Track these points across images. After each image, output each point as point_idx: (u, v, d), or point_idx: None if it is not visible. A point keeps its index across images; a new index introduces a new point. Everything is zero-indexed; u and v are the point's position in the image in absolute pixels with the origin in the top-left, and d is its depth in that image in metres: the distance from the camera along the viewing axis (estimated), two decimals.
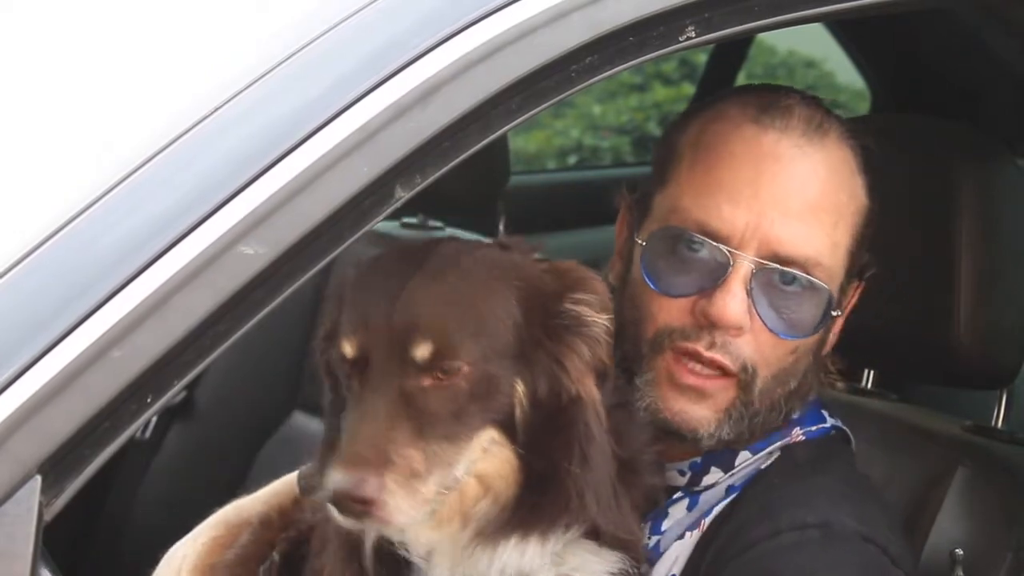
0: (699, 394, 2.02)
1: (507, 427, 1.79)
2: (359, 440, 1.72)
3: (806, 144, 2.02)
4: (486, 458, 1.79)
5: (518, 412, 1.79)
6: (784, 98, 2.06)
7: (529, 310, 1.81)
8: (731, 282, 1.98)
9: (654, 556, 2.04)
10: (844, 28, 4.33)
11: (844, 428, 2.17)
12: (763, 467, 2.10)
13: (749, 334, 2.00)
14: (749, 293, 1.99)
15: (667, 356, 2.02)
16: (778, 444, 2.10)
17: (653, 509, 2.02)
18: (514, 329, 1.80)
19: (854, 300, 2.14)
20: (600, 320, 1.85)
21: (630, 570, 1.88)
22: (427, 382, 1.75)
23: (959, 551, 2.20)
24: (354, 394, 1.77)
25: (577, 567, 1.86)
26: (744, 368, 2.01)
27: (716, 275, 1.99)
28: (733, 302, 1.98)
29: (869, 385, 2.66)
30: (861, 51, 4.46)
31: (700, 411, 2.02)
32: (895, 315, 2.34)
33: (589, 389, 1.84)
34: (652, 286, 2.04)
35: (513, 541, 1.79)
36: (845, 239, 2.05)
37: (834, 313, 2.05)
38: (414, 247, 1.85)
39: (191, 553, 2.05)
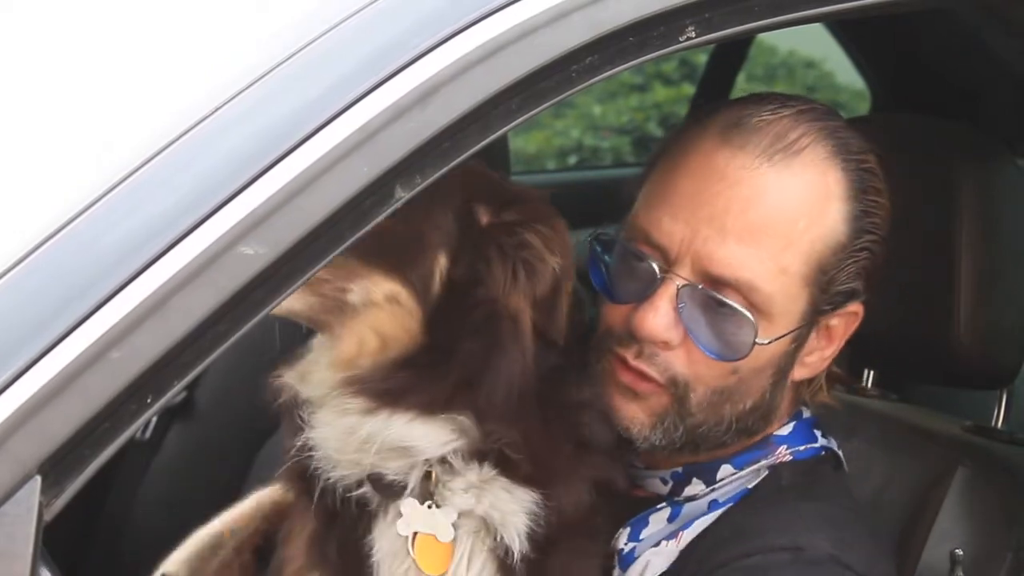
0: (633, 394, 2.02)
1: (417, 292, 1.88)
2: None
3: (763, 164, 1.96)
4: (384, 313, 1.89)
5: (435, 284, 1.89)
6: (770, 111, 2.00)
7: (486, 218, 1.93)
8: (657, 298, 1.97)
9: (627, 561, 2.04)
10: (844, 28, 4.33)
11: (835, 449, 2.14)
12: (750, 486, 2.08)
13: (681, 349, 1.99)
14: (679, 310, 1.96)
15: (607, 356, 2.03)
16: (764, 463, 2.09)
17: (608, 494, 2.02)
18: (459, 218, 1.91)
19: (850, 327, 2.08)
20: (549, 260, 1.93)
21: (538, 509, 1.92)
22: None
23: (959, 551, 2.20)
24: None
25: (492, 504, 1.93)
26: (673, 382, 2.00)
27: (645, 289, 1.99)
28: (655, 317, 1.96)
29: (869, 385, 2.66)
30: (861, 51, 4.46)
31: (632, 410, 2.03)
32: (895, 315, 2.34)
33: (515, 307, 1.91)
34: (598, 287, 2.06)
35: (390, 410, 1.89)
36: (797, 265, 1.97)
37: (760, 341, 1.97)
38: None
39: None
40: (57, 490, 1.44)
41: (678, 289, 1.96)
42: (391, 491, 1.94)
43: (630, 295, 2.01)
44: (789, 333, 2.01)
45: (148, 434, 3.59)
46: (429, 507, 1.93)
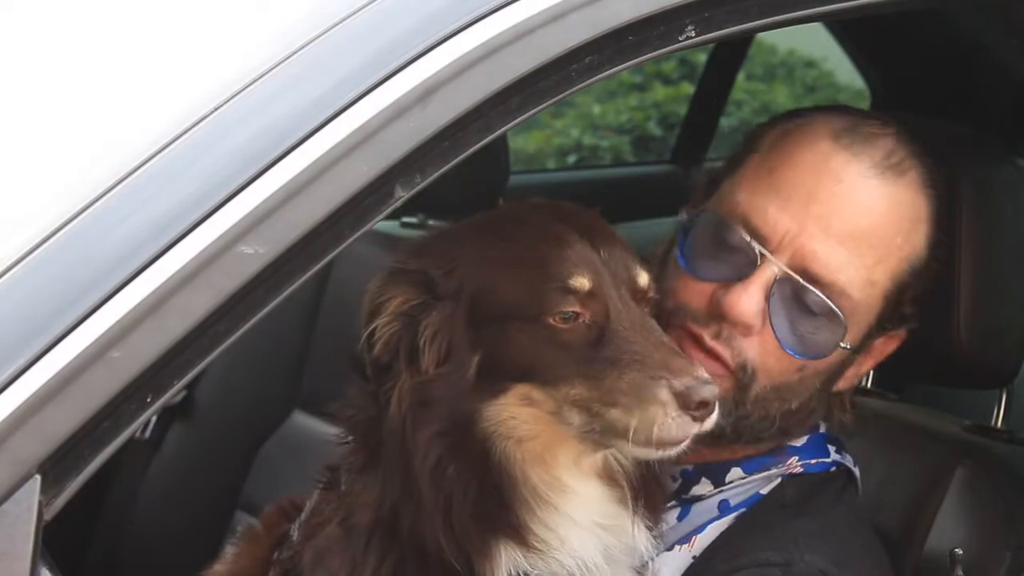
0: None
1: None
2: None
3: (874, 176, 2.00)
4: None
5: None
6: (876, 126, 2.04)
7: None
8: (752, 281, 1.98)
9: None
10: (844, 28, 4.33)
11: (849, 466, 2.15)
12: (763, 492, 2.09)
13: (757, 337, 2.00)
14: (768, 298, 1.98)
15: (677, 332, 2.02)
16: (775, 471, 2.09)
17: None
18: None
19: (889, 349, 2.11)
20: None
21: None
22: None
23: (959, 551, 2.20)
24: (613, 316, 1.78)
25: None
26: (743, 367, 2.01)
27: (741, 270, 2.00)
28: (748, 300, 1.98)
29: (869, 385, 2.66)
30: (861, 51, 4.46)
31: None
32: None
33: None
34: (682, 264, 2.05)
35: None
36: (884, 280, 2.02)
37: (843, 345, 2.02)
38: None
39: None
40: (57, 490, 1.44)
41: (775, 278, 1.98)
42: None
43: (719, 274, 2.02)
44: (859, 343, 2.05)
45: (148, 433, 3.59)
46: None
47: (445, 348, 1.76)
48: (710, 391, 1.68)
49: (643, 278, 1.81)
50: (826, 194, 1.98)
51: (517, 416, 1.75)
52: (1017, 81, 3.63)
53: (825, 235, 1.97)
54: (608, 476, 1.81)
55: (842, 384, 2.12)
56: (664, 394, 1.68)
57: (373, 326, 1.79)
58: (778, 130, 2.09)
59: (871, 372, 2.64)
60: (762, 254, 1.98)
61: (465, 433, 1.75)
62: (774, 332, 1.99)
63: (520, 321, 1.75)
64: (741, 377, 2.01)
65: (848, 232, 1.98)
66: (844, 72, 7.69)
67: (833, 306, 1.98)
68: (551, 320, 1.74)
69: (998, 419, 2.49)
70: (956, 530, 2.26)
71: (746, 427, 2.04)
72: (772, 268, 1.98)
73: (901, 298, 2.06)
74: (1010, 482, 2.32)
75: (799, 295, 1.98)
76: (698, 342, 2.01)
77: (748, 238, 1.99)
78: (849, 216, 1.98)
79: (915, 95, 4.02)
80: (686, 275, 2.05)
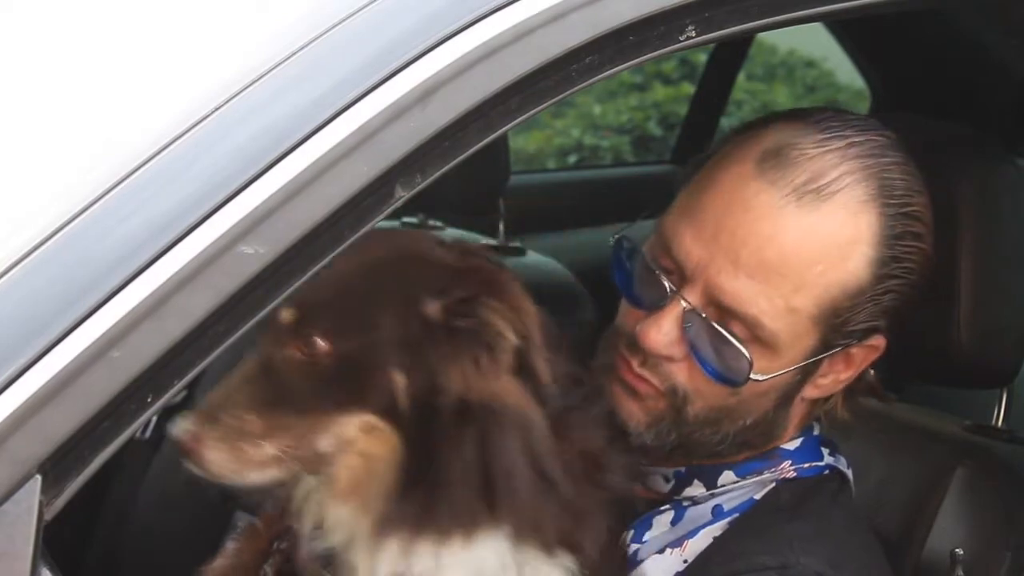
0: (632, 391, 2.03)
1: (390, 414, 1.75)
2: (213, 394, 1.84)
3: (789, 203, 1.93)
4: (368, 439, 1.77)
5: (401, 403, 1.75)
6: (813, 143, 1.96)
7: (432, 307, 1.77)
8: (663, 315, 1.97)
9: (631, 565, 2.03)
10: (844, 28, 4.33)
11: (842, 469, 2.14)
12: (757, 497, 2.08)
13: (684, 363, 1.99)
14: (685, 329, 1.97)
15: (613, 354, 2.04)
16: (768, 475, 2.09)
17: (627, 510, 2.00)
18: (402, 320, 1.76)
19: (871, 357, 2.06)
20: (509, 338, 1.78)
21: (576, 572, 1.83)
22: (290, 351, 1.77)
23: (959, 551, 2.20)
24: None
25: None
26: (673, 392, 2.00)
27: (656, 302, 1.99)
28: (656, 333, 1.97)
29: None
30: (861, 51, 4.46)
31: (631, 407, 2.03)
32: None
33: (489, 393, 1.76)
34: (617, 282, 2.06)
35: (401, 539, 1.75)
36: (808, 307, 1.95)
37: (756, 377, 1.96)
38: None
39: None
40: (57, 490, 1.44)
41: (684, 311, 1.96)
42: None
43: (642, 303, 2.02)
44: (792, 368, 2.00)
45: (148, 433, 3.58)
46: None
47: None
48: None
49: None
50: (733, 223, 1.93)
51: None
52: (1017, 81, 3.64)
53: (734, 267, 1.93)
54: None
55: (816, 392, 2.07)
56: None
57: None
58: (731, 142, 2.05)
59: (871, 372, 2.65)
60: (671, 290, 1.96)
61: None
62: (695, 360, 1.97)
63: None
64: (673, 400, 2.01)
65: (756, 264, 1.92)
66: (844, 72, 7.70)
67: (735, 342, 1.94)
68: None
69: (998, 419, 2.49)
70: (956, 530, 2.26)
71: (695, 442, 2.04)
72: (681, 303, 1.96)
73: (843, 321, 1.99)
74: (1010, 482, 2.32)
75: (710, 329, 1.96)
76: (629, 368, 2.02)
77: (659, 272, 1.98)
78: (756, 248, 1.92)
79: (915, 95, 4.02)
80: (622, 294, 2.06)
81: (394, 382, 1.75)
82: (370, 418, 1.76)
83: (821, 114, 2.04)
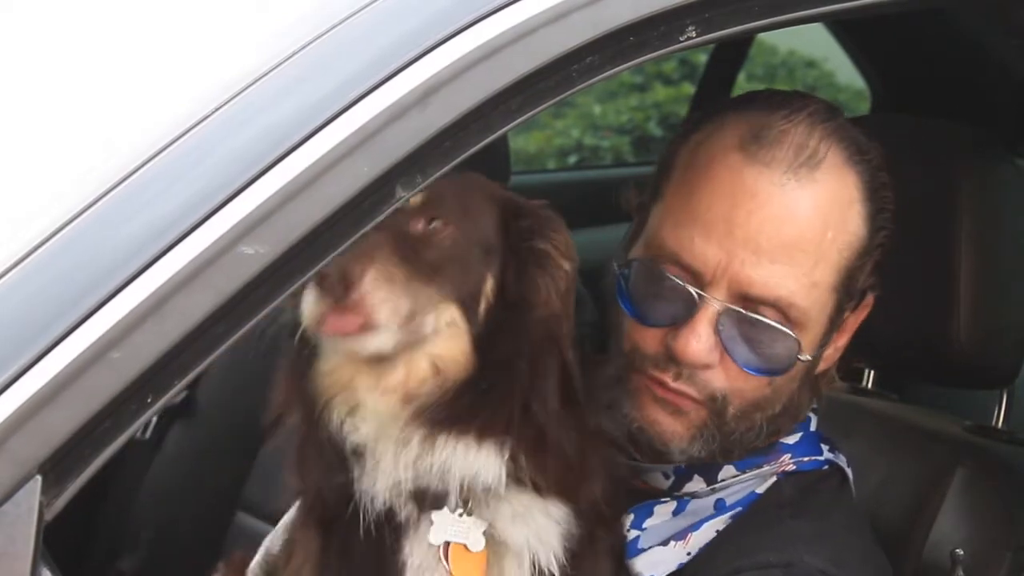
0: (674, 408, 2.03)
1: (470, 313, 1.86)
2: (346, 257, 1.74)
3: (790, 180, 1.96)
4: (442, 338, 1.85)
5: (483, 304, 1.87)
6: (783, 117, 1.99)
7: (507, 229, 1.91)
8: (697, 322, 1.97)
9: (631, 551, 2.04)
10: (844, 28, 4.34)
11: (840, 464, 2.15)
12: (759, 491, 2.09)
13: (719, 367, 2.00)
14: (718, 332, 1.97)
15: (639, 377, 2.03)
16: (767, 468, 2.09)
17: (614, 481, 2.01)
18: (493, 231, 1.90)
19: (861, 317, 2.11)
20: (564, 266, 1.92)
21: (572, 522, 1.91)
22: (417, 225, 1.84)
23: (959, 551, 2.20)
24: None
25: (536, 533, 1.90)
26: (712, 398, 2.01)
27: (684, 313, 1.98)
28: (696, 342, 1.97)
29: (869, 385, 2.66)
30: (861, 51, 4.46)
31: (674, 425, 2.03)
32: (895, 315, 2.34)
33: (556, 319, 1.89)
34: (628, 311, 2.04)
35: (454, 438, 1.85)
36: (827, 277, 2.00)
37: (801, 358, 2.01)
38: None
39: None
40: (57, 490, 1.44)
41: (718, 313, 1.97)
42: (430, 503, 1.89)
43: (665, 318, 2.01)
44: (821, 341, 2.04)
45: (149, 434, 3.59)
46: (460, 515, 1.89)
47: None
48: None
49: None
50: (744, 214, 1.95)
51: None
52: (1017, 81, 3.64)
53: (756, 256, 1.95)
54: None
55: (822, 366, 2.12)
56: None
57: None
58: (691, 144, 2.06)
59: (871, 373, 2.65)
60: (699, 295, 1.97)
61: None
62: (733, 360, 1.98)
63: None
64: (713, 405, 2.01)
65: (777, 247, 1.95)
66: (844, 72, 7.69)
67: (780, 326, 1.97)
68: None
69: (999, 419, 2.50)
70: (956, 530, 2.26)
71: (735, 441, 2.05)
72: (713, 305, 1.96)
73: (853, 282, 2.04)
74: (1010, 482, 2.32)
75: (748, 322, 1.97)
76: (663, 386, 2.01)
77: (681, 281, 1.98)
78: (773, 231, 1.95)
79: (915, 95, 4.02)
80: (634, 320, 2.04)
81: (484, 282, 1.87)
82: (456, 313, 1.85)
83: (760, 96, 2.09)
